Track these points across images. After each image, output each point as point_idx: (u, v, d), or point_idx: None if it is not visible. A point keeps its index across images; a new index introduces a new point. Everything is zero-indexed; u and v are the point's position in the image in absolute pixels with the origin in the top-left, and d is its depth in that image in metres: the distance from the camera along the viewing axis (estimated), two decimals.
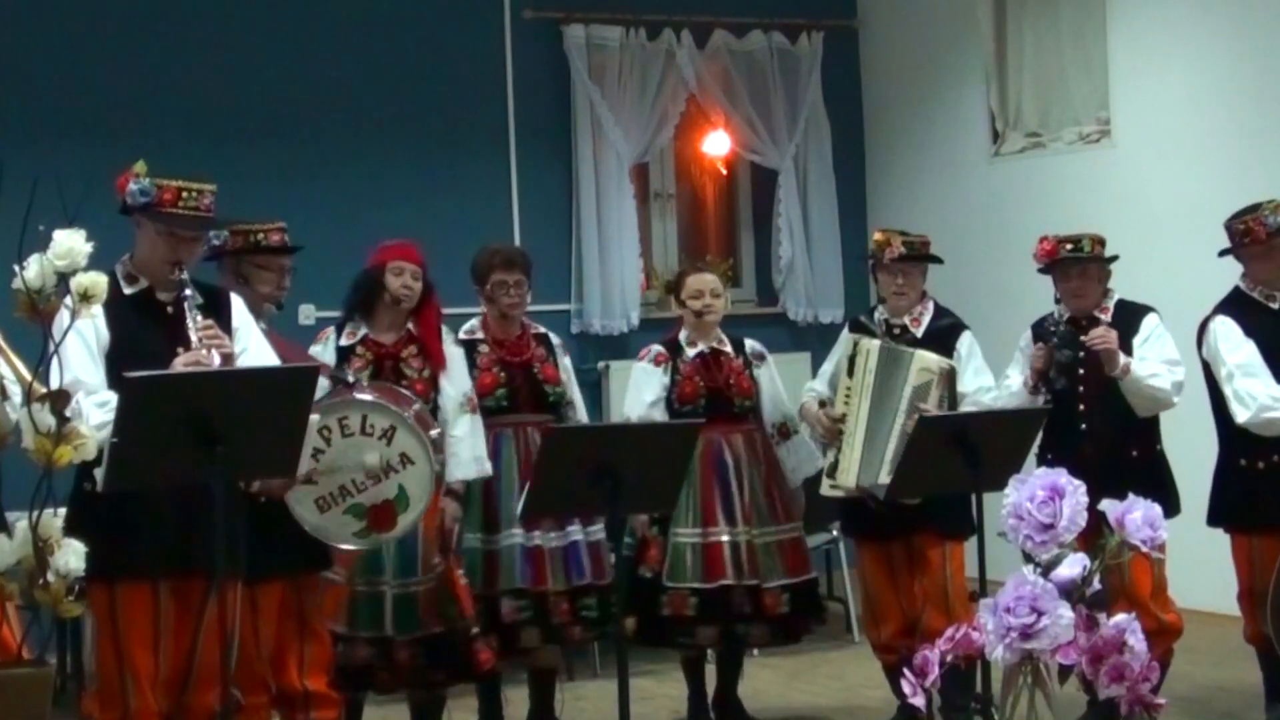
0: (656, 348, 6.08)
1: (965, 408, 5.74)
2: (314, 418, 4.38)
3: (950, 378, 5.69)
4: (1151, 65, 8.07)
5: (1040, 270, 5.97)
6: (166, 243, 4.55)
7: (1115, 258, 5.94)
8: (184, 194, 4.52)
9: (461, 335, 5.90)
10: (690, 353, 6.03)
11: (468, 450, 5.59)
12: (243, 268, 5.28)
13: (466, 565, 5.68)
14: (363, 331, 5.59)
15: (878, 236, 6.03)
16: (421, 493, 5.12)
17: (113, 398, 4.19)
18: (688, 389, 5.96)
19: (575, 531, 5.84)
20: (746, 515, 5.95)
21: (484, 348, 5.88)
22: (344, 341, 5.58)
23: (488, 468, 5.67)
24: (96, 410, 4.23)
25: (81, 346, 4.36)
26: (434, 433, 5.34)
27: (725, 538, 5.91)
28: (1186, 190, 7.76)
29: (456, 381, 5.64)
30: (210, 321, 4.48)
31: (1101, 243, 5.91)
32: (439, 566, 5.52)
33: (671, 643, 6.04)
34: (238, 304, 4.80)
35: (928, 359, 5.70)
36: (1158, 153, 8.04)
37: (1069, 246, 5.86)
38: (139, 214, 4.54)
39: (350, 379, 5.30)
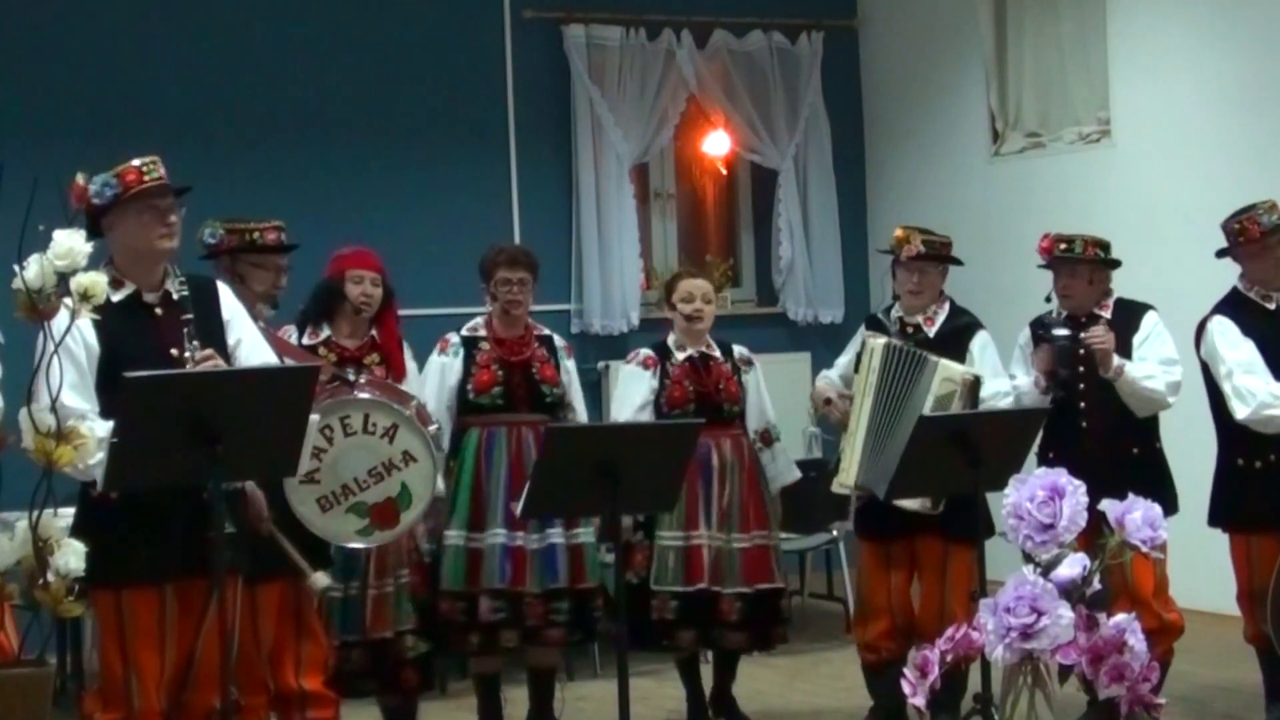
0: (645, 351, 6.08)
1: None
2: (314, 417, 4.37)
3: (974, 388, 5.64)
4: (1151, 65, 8.07)
5: (1040, 266, 5.99)
6: (149, 222, 4.46)
7: (1117, 263, 5.94)
8: (144, 168, 4.46)
9: (464, 331, 5.91)
10: (679, 356, 6.02)
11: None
12: (238, 266, 5.30)
13: (450, 562, 5.68)
14: (325, 333, 5.58)
15: (898, 233, 5.97)
16: (425, 489, 5.14)
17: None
18: (676, 393, 5.95)
19: (555, 534, 5.78)
20: (720, 520, 5.95)
21: (484, 344, 5.87)
22: (307, 340, 5.55)
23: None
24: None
25: (72, 368, 4.25)
26: (432, 428, 5.36)
27: (705, 541, 5.91)
28: (1186, 190, 7.76)
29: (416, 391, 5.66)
30: (210, 351, 4.42)
31: (1098, 245, 5.90)
32: (405, 577, 5.56)
33: (658, 646, 6.03)
34: (226, 294, 4.73)
35: (951, 369, 5.63)
36: (1158, 153, 8.04)
37: (1062, 246, 5.89)
38: (111, 212, 4.43)
39: (351, 377, 5.29)
